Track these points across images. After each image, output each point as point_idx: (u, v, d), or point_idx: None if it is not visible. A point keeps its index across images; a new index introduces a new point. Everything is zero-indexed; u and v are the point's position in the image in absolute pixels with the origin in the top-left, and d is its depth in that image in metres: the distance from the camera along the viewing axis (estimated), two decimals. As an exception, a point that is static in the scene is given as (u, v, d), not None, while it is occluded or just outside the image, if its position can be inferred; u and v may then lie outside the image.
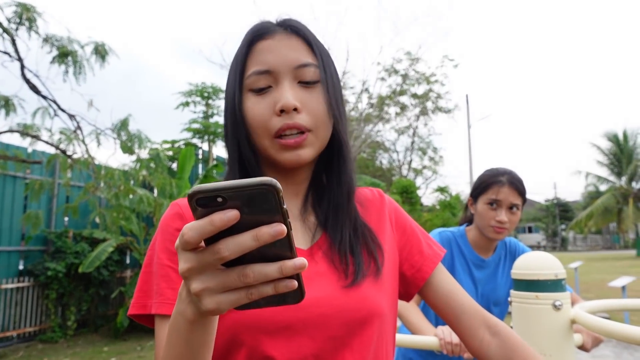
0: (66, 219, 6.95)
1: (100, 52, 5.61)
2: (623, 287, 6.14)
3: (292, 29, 0.72)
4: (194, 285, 0.40)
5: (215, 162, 9.37)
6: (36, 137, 5.63)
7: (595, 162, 28.94)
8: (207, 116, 11.18)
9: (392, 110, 20.52)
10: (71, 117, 5.71)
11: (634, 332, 1.03)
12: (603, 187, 28.94)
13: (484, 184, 1.67)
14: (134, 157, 6.38)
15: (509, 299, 1.34)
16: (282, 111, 0.67)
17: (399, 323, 1.81)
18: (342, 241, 0.71)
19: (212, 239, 0.39)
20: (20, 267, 6.29)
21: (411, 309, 1.58)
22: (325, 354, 0.64)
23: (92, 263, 6.00)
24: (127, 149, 6.07)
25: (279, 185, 0.37)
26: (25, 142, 5.97)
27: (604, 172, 28.77)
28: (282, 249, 0.40)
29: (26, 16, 5.03)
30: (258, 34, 0.71)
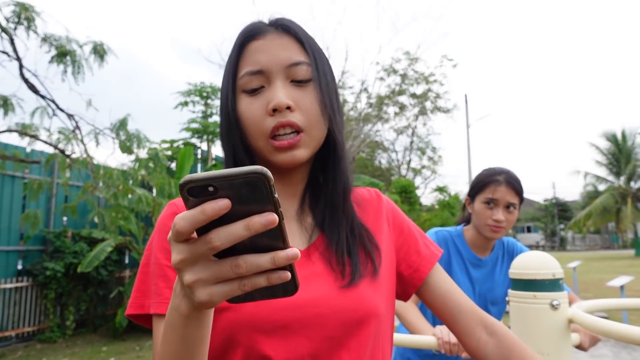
0: (65, 218, 6.95)
1: (99, 51, 5.61)
2: (621, 287, 6.16)
3: (284, 27, 0.71)
4: (186, 276, 0.40)
5: (214, 162, 9.38)
6: (35, 137, 5.63)
7: (593, 162, 29.00)
8: (206, 116, 11.18)
9: (391, 110, 20.53)
10: (70, 116, 5.71)
11: (631, 331, 1.03)
12: (602, 187, 29.00)
13: (481, 183, 1.68)
14: (132, 157, 6.39)
15: (507, 298, 1.34)
16: (274, 110, 0.67)
17: (397, 322, 1.81)
18: (339, 241, 0.71)
19: (205, 230, 0.39)
20: (19, 266, 6.29)
21: (409, 309, 1.58)
22: (322, 354, 0.64)
23: (91, 263, 6.00)
24: (125, 148, 6.07)
25: (269, 173, 0.37)
26: (23, 142, 5.98)
27: (603, 172, 28.84)
28: (274, 239, 0.40)
29: (25, 16, 5.03)
30: (250, 35, 0.71)
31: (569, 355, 1.24)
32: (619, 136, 28.11)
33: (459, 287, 1.78)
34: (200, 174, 0.37)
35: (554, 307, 1.21)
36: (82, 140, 5.79)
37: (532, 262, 1.26)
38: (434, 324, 1.61)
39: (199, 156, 9.65)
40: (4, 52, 5.13)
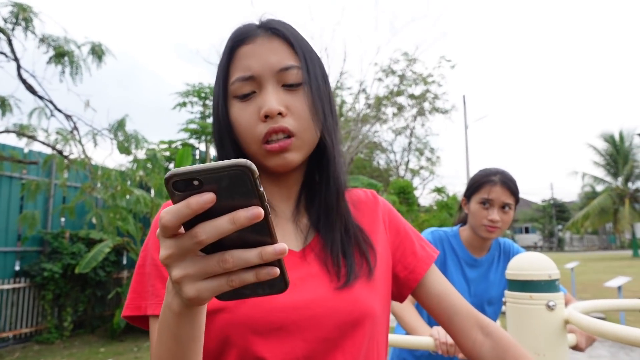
0: (62, 219, 6.93)
1: (97, 52, 5.61)
2: (619, 288, 6.17)
3: (273, 30, 0.70)
4: (174, 272, 0.40)
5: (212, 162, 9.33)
6: (32, 138, 5.62)
7: (591, 163, 29.07)
8: (204, 117, 11.16)
9: (390, 110, 20.56)
10: (68, 117, 5.70)
11: (626, 332, 1.04)
12: (599, 188, 29.07)
13: (477, 184, 1.69)
14: (130, 158, 6.38)
15: (503, 299, 1.35)
16: (267, 117, 0.66)
17: (394, 323, 1.82)
18: (333, 242, 0.71)
19: (192, 225, 0.39)
20: (17, 267, 6.27)
21: (407, 309, 1.59)
22: (317, 356, 0.64)
23: (89, 264, 5.99)
24: (124, 149, 6.07)
25: (253, 167, 0.37)
26: (21, 143, 5.99)
27: (601, 173, 28.92)
28: (261, 234, 0.40)
29: (22, 16, 5.02)
30: (239, 39, 0.70)
31: (565, 356, 1.25)
32: (617, 137, 28.18)
33: (455, 288, 1.79)
34: (185, 167, 0.37)
35: (550, 307, 1.22)
36: (80, 141, 5.79)
37: (528, 263, 1.27)
38: (430, 324, 1.62)
39: (197, 157, 9.64)
40: (1, 53, 5.13)
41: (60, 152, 5.77)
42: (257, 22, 0.73)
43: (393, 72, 19.28)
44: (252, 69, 0.68)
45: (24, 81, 5.33)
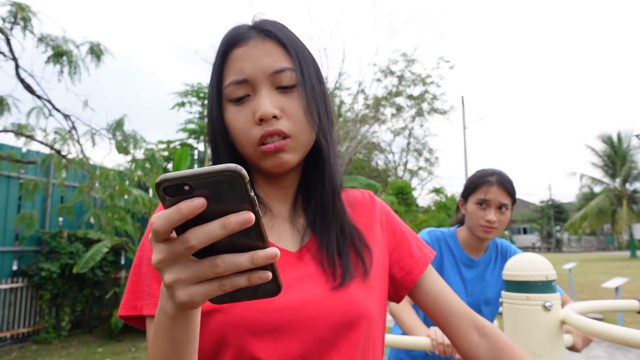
0: (60, 219, 6.92)
1: (96, 51, 5.60)
2: (616, 288, 6.18)
3: (266, 32, 0.70)
4: (166, 276, 0.40)
5: (210, 163, 9.34)
6: (31, 137, 5.61)
7: (589, 164, 29.15)
8: (203, 116, 11.16)
9: (388, 111, 20.58)
10: (66, 117, 5.69)
11: (621, 333, 1.04)
12: (597, 189, 29.14)
13: (474, 184, 1.69)
14: (129, 158, 6.37)
15: (500, 299, 1.35)
16: (261, 120, 0.66)
17: (392, 323, 1.82)
18: (329, 243, 0.71)
19: (184, 229, 0.39)
20: (14, 267, 6.26)
21: (405, 309, 1.59)
22: (313, 356, 0.64)
23: (87, 264, 5.98)
24: (122, 149, 6.06)
25: (243, 171, 0.37)
26: (19, 142, 5.98)
27: (599, 174, 28.97)
28: (253, 239, 0.40)
29: (21, 15, 5.02)
30: (232, 42, 0.70)
31: (561, 357, 1.26)
32: (615, 138, 28.25)
33: (451, 288, 1.79)
34: (175, 172, 0.37)
35: (546, 308, 1.22)
36: (78, 141, 5.78)
37: (525, 263, 1.27)
38: (427, 324, 1.62)
39: (196, 157, 9.64)
40: (0, 52, 5.12)
41: (58, 152, 5.76)
42: (249, 23, 0.72)
43: (392, 73, 19.29)
44: (245, 73, 0.68)
45: (22, 80, 5.32)
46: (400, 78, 19.31)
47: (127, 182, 6.47)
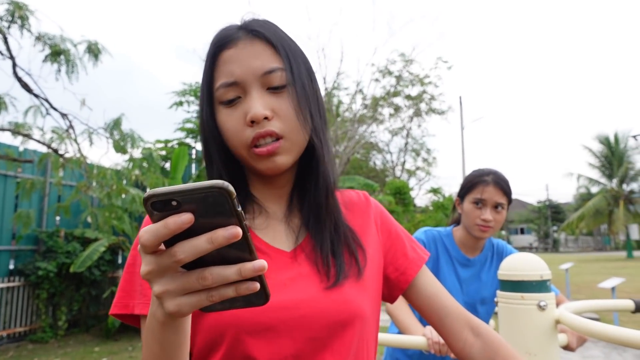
0: (58, 218, 6.91)
1: (93, 50, 5.59)
2: (613, 289, 6.21)
3: (255, 33, 0.69)
4: (155, 287, 0.41)
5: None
6: (28, 136, 5.59)
7: (587, 164, 29.22)
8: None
9: (386, 111, 20.60)
10: (63, 116, 5.68)
11: (615, 332, 1.05)
12: (594, 189, 29.21)
13: (470, 184, 1.70)
14: (126, 157, 6.36)
15: (495, 299, 1.36)
16: (253, 122, 0.66)
17: (389, 322, 1.83)
18: (323, 242, 0.71)
19: (172, 242, 0.39)
20: (11, 266, 6.24)
21: (401, 308, 1.60)
22: (306, 355, 0.64)
23: (84, 263, 5.97)
24: (119, 148, 6.04)
25: (230, 188, 0.37)
26: (16, 141, 5.93)
27: (596, 174, 29.05)
28: (241, 251, 0.41)
29: (18, 14, 5.00)
30: (221, 44, 0.69)
31: (556, 356, 1.26)
32: (612, 139, 28.32)
33: (447, 287, 1.79)
34: (163, 188, 0.38)
35: (541, 307, 1.23)
36: (75, 140, 5.77)
37: (520, 263, 1.28)
38: (423, 323, 1.63)
39: (194, 156, 9.63)
40: (-3, 51, 5.10)
41: (55, 151, 5.75)
42: (238, 23, 0.72)
43: (390, 73, 19.30)
44: (235, 75, 0.67)
45: (19, 79, 5.30)
46: (399, 78, 19.32)
47: (124, 182, 6.46)
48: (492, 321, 1.87)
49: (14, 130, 5.53)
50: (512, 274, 1.28)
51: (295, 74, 0.69)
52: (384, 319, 7.24)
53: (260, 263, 0.40)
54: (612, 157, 27.76)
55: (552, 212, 43.94)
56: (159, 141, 10.00)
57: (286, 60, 0.69)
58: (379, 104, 19.21)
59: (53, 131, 5.82)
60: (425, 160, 25.39)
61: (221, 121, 0.69)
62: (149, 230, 0.38)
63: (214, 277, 0.40)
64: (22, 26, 5.10)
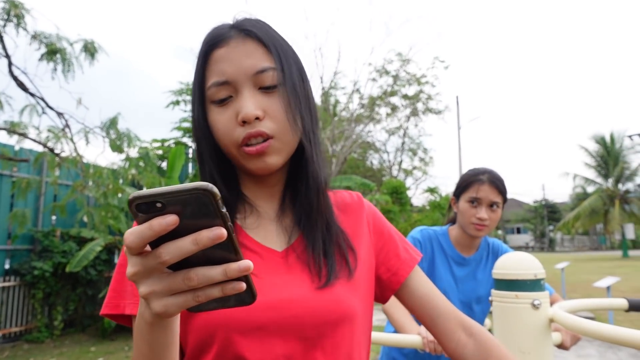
0: (54, 217, 6.89)
1: (90, 49, 5.58)
2: (608, 288, 6.23)
3: (247, 32, 0.69)
4: (141, 289, 0.42)
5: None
6: (24, 135, 5.58)
7: (583, 164, 29.32)
8: (197, 115, 11.09)
9: (383, 110, 20.60)
10: (59, 115, 5.66)
11: (608, 330, 1.06)
12: (590, 189, 29.33)
13: (465, 183, 1.71)
14: (123, 156, 6.34)
15: (490, 298, 1.37)
16: (244, 121, 0.66)
17: (385, 322, 1.83)
18: (315, 242, 0.72)
19: (158, 243, 0.40)
20: (6, 266, 6.22)
21: (397, 307, 1.60)
22: (297, 355, 0.64)
23: (80, 262, 5.95)
24: (116, 147, 6.03)
25: (215, 189, 0.38)
26: (12, 140, 5.92)
27: (592, 174, 29.18)
28: (227, 252, 0.41)
29: (14, 13, 4.98)
30: (213, 43, 0.69)
31: (550, 354, 1.27)
32: (608, 139, 28.44)
33: (443, 286, 1.79)
34: (147, 190, 0.38)
35: (535, 306, 1.24)
36: (71, 139, 5.75)
37: (514, 262, 1.29)
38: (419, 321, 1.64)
39: (190, 155, 9.61)
40: (-8, 50, 5.08)
41: (51, 150, 5.73)
42: (231, 22, 0.72)
43: (387, 73, 19.32)
44: (226, 74, 0.67)
45: (15, 78, 5.28)
46: (395, 78, 19.34)
47: (120, 181, 6.44)
48: (487, 320, 1.88)
49: (9, 129, 5.51)
50: (506, 273, 1.29)
51: (286, 74, 0.69)
52: (381, 318, 7.24)
53: (246, 263, 0.41)
54: (608, 157, 27.89)
55: (549, 212, 44.08)
56: (155, 140, 9.97)
57: (278, 60, 0.69)
58: (375, 104, 19.22)
59: (49, 130, 5.80)
60: (422, 159, 25.42)
61: (213, 120, 0.69)
62: (133, 232, 0.39)
63: (200, 277, 0.40)
64: (18, 25, 5.08)
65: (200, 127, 0.71)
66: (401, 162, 24.96)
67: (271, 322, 0.64)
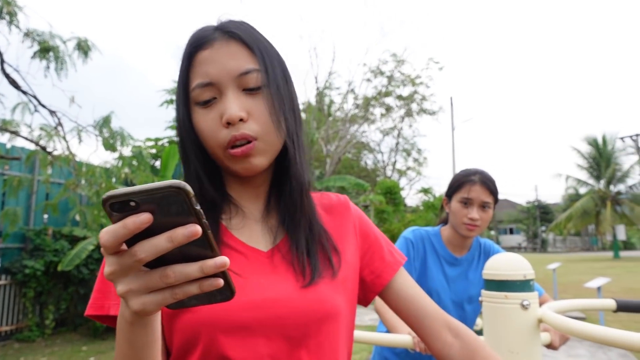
0: (45, 216, 6.84)
1: (83, 47, 5.54)
2: (598, 288, 6.28)
3: (230, 34, 0.69)
4: (118, 287, 0.42)
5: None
6: (15, 133, 5.54)
7: (575, 166, 29.52)
8: (191, 114, 11.07)
9: (378, 111, 20.68)
10: (52, 113, 5.63)
11: (595, 331, 1.07)
12: (582, 190, 29.53)
13: (457, 183, 1.73)
14: (116, 155, 6.31)
15: (480, 298, 1.38)
16: (229, 123, 0.66)
17: (377, 322, 1.84)
18: (299, 242, 0.72)
19: (134, 242, 0.40)
20: (-3, 264, 6.18)
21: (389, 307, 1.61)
22: (281, 354, 0.64)
23: (72, 261, 5.91)
24: (109, 146, 6.00)
25: (187, 187, 0.38)
26: (4, 138, 5.88)
27: (584, 176, 29.36)
28: (203, 249, 0.41)
29: (6, 10, 4.94)
30: (197, 44, 0.69)
31: (538, 354, 1.29)
32: (600, 141, 28.66)
33: (435, 286, 1.80)
34: (120, 189, 0.38)
35: (524, 307, 1.25)
36: (64, 137, 5.72)
37: (504, 263, 1.30)
38: None
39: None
40: (-16, 47, 5.04)
41: (43, 148, 5.69)
42: (215, 24, 0.72)
43: (381, 73, 19.37)
44: (210, 76, 0.67)
45: (7, 76, 5.24)
46: (390, 78, 19.39)
47: (113, 180, 6.40)
48: (479, 320, 1.89)
49: (1, 127, 5.46)
50: (496, 274, 1.30)
51: (270, 75, 0.69)
52: (374, 318, 7.25)
53: (222, 259, 0.41)
54: (600, 159, 28.09)
55: (541, 213, 44.34)
56: (149, 139, 9.93)
57: (261, 61, 0.69)
58: (370, 104, 19.27)
59: (41, 128, 5.76)
60: (416, 160, 25.51)
61: (197, 122, 0.70)
62: (108, 231, 0.39)
63: (176, 274, 0.40)
64: (10, 22, 5.04)
65: (185, 128, 0.71)
66: (395, 162, 25.03)
67: (255, 321, 0.64)
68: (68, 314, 6.67)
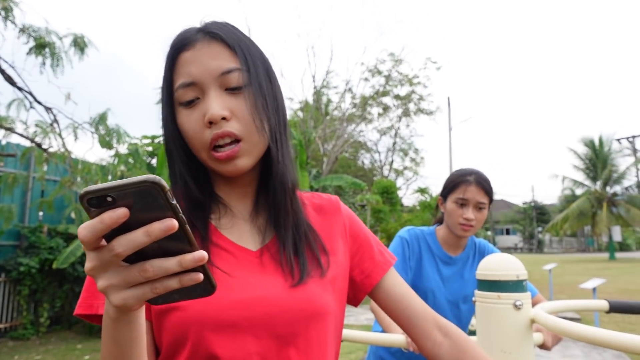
0: (40, 213, 6.82)
1: (79, 44, 5.52)
2: (594, 289, 6.31)
3: (212, 34, 0.70)
4: (99, 283, 0.42)
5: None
6: (10, 130, 5.51)
7: (571, 167, 29.61)
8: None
9: (375, 110, 20.69)
10: (48, 109, 5.61)
11: (587, 331, 1.07)
12: (579, 191, 29.62)
13: (452, 184, 1.73)
14: (112, 152, 6.30)
15: (473, 298, 1.38)
16: (211, 122, 0.67)
17: (372, 321, 1.84)
18: (287, 241, 0.72)
19: (113, 237, 0.40)
20: (-8, 262, 6.15)
21: None
22: (270, 352, 0.65)
23: (67, 259, 5.90)
24: (105, 143, 5.98)
25: (162, 182, 0.38)
26: (-1, 135, 5.84)
27: (580, 177, 29.45)
28: (181, 243, 0.42)
29: (2, 6, 4.92)
30: (179, 46, 0.70)
31: (531, 354, 1.29)
32: (597, 142, 28.75)
33: (430, 285, 1.80)
34: (97, 185, 0.38)
35: (517, 307, 1.25)
36: (60, 134, 5.70)
37: (497, 263, 1.30)
38: None
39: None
40: (-21, 42, 5.01)
41: (39, 145, 5.67)
42: (198, 26, 0.73)
43: (379, 72, 19.38)
44: (192, 76, 0.68)
45: (2, 72, 5.22)
46: (388, 78, 19.41)
47: (109, 177, 6.39)
48: (474, 319, 1.89)
49: (-4, 123, 5.44)
50: (489, 274, 1.30)
51: (252, 74, 0.70)
52: (370, 317, 7.26)
53: (200, 254, 0.41)
54: (597, 160, 28.18)
55: (537, 213, 44.51)
56: (145, 137, 9.89)
57: (243, 61, 0.70)
58: (367, 103, 19.28)
59: (37, 125, 5.74)
60: (413, 160, 25.54)
61: (181, 122, 0.70)
62: (86, 227, 0.39)
63: (155, 269, 0.41)
64: (6, 17, 5.02)
65: (169, 129, 0.72)
66: (392, 162, 25.06)
67: (244, 319, 0.64)
68: (63, 312, 6.65)
